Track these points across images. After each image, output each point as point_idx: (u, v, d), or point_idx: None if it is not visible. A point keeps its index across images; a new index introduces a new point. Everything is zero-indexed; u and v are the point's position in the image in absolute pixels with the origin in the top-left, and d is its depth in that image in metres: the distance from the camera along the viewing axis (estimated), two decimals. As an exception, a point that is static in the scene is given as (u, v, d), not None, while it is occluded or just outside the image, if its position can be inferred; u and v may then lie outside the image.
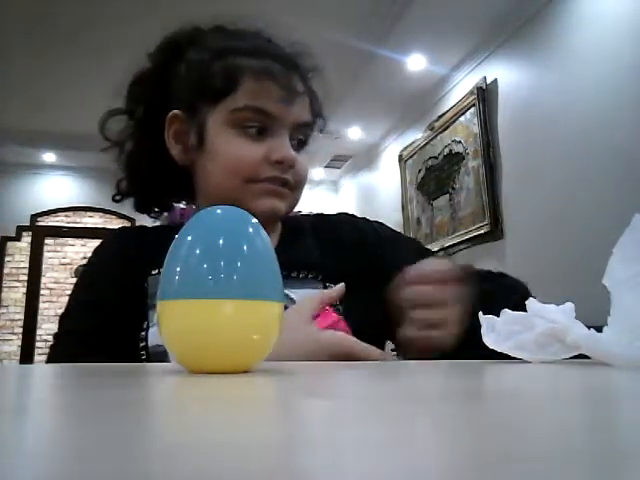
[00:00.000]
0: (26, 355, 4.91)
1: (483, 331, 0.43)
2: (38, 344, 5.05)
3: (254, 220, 0.35)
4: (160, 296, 0.33)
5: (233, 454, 0.12)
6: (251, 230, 0.34)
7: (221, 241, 0.32)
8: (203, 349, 0.32)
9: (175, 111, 0.71)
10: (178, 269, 0.32)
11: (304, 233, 0.77)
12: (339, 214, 0.85)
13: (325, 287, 0.68)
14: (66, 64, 3.41)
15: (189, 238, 0.33)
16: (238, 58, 0.68)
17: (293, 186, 0.69)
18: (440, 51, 3.25)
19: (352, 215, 0.84)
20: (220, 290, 0.31)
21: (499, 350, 0.42)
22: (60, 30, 3.06)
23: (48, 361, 0.66)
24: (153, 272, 0.66)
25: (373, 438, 0.14)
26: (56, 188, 5.23)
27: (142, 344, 0.63)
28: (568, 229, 2.47)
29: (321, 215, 0.86)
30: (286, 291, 0.65)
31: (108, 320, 0.64)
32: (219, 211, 0.35)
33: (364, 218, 0.83)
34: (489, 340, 0.43)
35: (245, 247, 0.33)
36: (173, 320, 0.32)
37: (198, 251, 0.32)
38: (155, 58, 0.74)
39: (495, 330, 0.43)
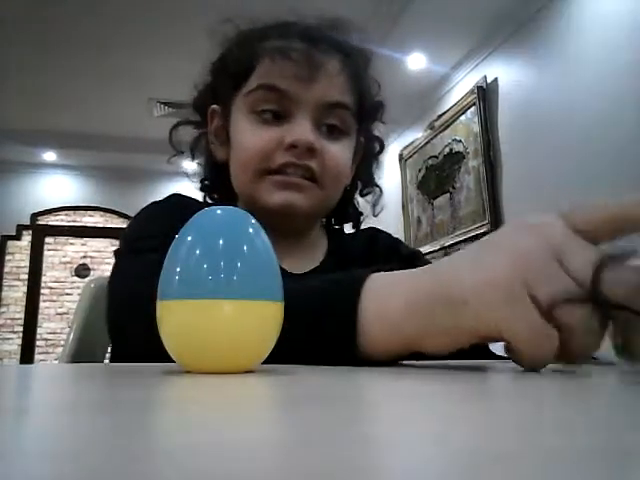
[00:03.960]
0: (26, 354, 4.91)
1: None
2: (38, 343, 5.06)
3: (254, 220, 0.35)
4: (160, 296, 0.33)
5: (233, 454, 0.12)
6: (251, 230, 0.34)
7: (221, 241, 0.32)
8: (203, 349, 0.32)
9: (213, 106, 0.67)
10: (178, 269, 0.32)
11: (353, 260, 0.65)
12: (384, 236, 0.74)
13: None
14: (67, 63, 3.41)
15: (189, 238, 0.33)
16: (259, 42, 0.63)
17: (319, 178, 0.60)
18: (440, 50, 3.25)
19: (397, 239, 0.76)
20: (220, 290, 0.31)
21: (500, 352, 0.42)
22: (61, 29, 3.06)
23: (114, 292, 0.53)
24: None
25: (373, 438, 0.14)
26: (56, 187, 5.23)
27: None
28: (568, 228, 2.48)
29: (372, 237, 0.73)
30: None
31: None
32: (219, 211, 0.35)
33: (390, 236, 0.76)
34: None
35: (245, 247, 0.33)
36: (173, 320, 0.32)
37: (198, 251, 0.32)
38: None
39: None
